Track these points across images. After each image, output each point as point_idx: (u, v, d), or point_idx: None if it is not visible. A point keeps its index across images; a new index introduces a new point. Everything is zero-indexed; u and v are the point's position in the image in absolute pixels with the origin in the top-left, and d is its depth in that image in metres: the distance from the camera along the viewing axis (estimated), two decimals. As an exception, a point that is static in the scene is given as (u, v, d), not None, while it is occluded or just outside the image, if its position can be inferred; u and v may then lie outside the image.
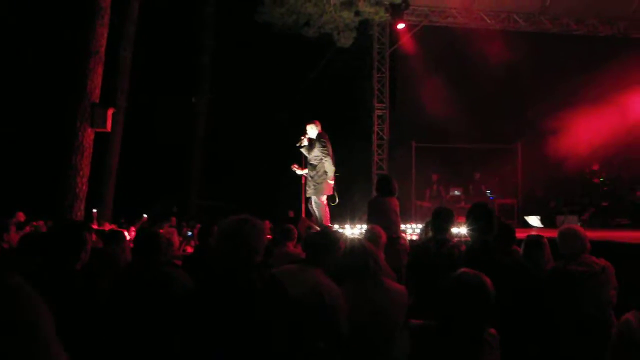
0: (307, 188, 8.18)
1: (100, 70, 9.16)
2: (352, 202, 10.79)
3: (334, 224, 8.40)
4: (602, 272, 3.64)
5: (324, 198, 8.01)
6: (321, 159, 7.94)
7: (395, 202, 6.38)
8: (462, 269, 2.52)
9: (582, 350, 3.45)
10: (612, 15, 14.34)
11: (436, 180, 14.53)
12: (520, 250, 4.41)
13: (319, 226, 7.76)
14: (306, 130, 8.18)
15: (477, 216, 3.61)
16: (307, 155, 8.26)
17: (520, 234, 4.84)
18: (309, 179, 8.09)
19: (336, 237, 3.33)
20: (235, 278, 2.41)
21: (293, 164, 8.53)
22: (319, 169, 7.95)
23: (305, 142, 8.21)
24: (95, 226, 7.94)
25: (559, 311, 3.59)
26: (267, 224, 9.30)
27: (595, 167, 12.80)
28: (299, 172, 8.50)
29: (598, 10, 13.99)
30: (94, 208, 10.73)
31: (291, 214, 10.40)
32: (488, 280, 2.43)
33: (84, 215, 8.88)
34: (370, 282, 3.21)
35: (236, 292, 2.36)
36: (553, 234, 7.47)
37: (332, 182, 7.99)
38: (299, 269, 3.09)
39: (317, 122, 8.16)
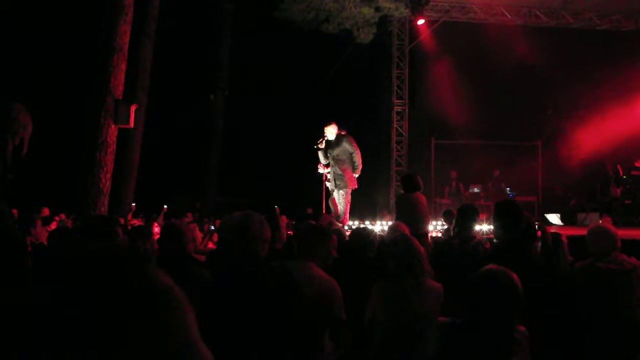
0: (336, 182, 8.21)
1: (123, 67, 9.27)
2: (371, 199, 10.80)
3: (354, 220, 8.44)
4: (633, 270, 3.61)
5: (349, 192, 8.11)
6: (351, 153, 8.09)
7: (422, 198, 6.41)
8: (490, 266, 2.51)
9: (611, 350, 3.43)
10: (636, 9, 14.09)
11: (455, 177, 14.47)
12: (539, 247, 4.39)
13: (338, 221, 7.85)
14: (324, 132, 8.25)
15: (504, 213, 3.60)
16: (322, 158, 8.34)
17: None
18: (339, 173, 8.13)
19: (328, 232, 3.25)
20: (245, 272, 2.44)
21: (319, 162, 8.60)
22: (348, 164, 8.04)
23: (322, 145, 8.27)
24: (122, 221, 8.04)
25: (588, 309, 3.57)
26: (284, 220, 9.33)
27: (639, 164, 12.54)
28: (321, 170, 8.58)
29: (622, 4, 13.75)
30: (115, 203, 10.86)
31: (309, 210, 10.44)
32: (515, 276, 2.42)
33: (107, 210, 9.01)
34: (411, 282, 3.13)
35: (246, 287, 2.39)
36: (574, 231, 7.43)
37: (356, 176, 8.15)
38: (295, 263, 3.06)
39: (335, 123, 8.25)
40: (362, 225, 7.65)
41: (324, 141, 8.29)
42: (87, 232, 3.04)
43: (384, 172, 14.71)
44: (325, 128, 8.27)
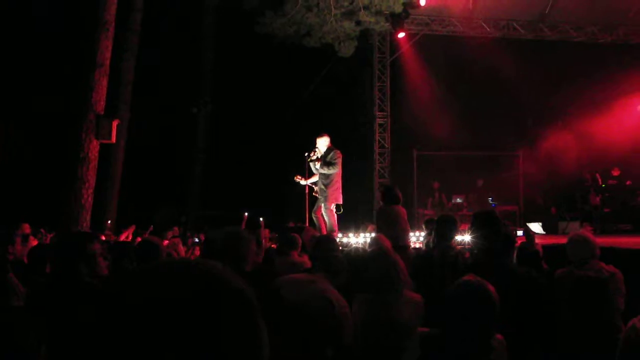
0: (319, 197, 8.21)
1: (105, 82, 9.27)
2: (354, 211, 10.83)
3: (338, 233, 8.44)
4: (611, 278, 3.68)
5: (333, 206, 8.08)
6: (329, 169, 8.03)
7: (402, 210, 6.47)
8: (466, 277, 2.55)
9: (589, 356, 3.48)
10: (611, 22, 14.41)
11: (437, 188, 14.59)
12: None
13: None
14: (316, 143, 8.22)
15: (483, 223, 3.64)
16: (316, 169, 8.27)
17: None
18: (322, 187, 8.11)
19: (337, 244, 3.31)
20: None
21: (296, 175, 8.58)
22: (332, 177, 8.02)
23: (314, 157, 8.22)
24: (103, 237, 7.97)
25: (568, 317, 3.62)
26: (267, 233, 9.35)
27: (616, 173, 12.76)
28: (302, 182, 8.57)
29: (597, 16, 14.06)
30: (98, 219, 10.77)
31: (291, 224, 10.41)
32: (491, 287, 2.46)
33: (89, 226, 8.94)
34: (390, 294, 3.14)
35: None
36: (555, 240, 7.52)
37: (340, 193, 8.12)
38: (308, 277, 3.09)
39: (327, 135, 8.23)
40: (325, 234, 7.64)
41: (315, 153, 8.24)
42: (56, 251, 3.02)
43: (366, 184, 14.77)
44: (317, 139, 8.22)
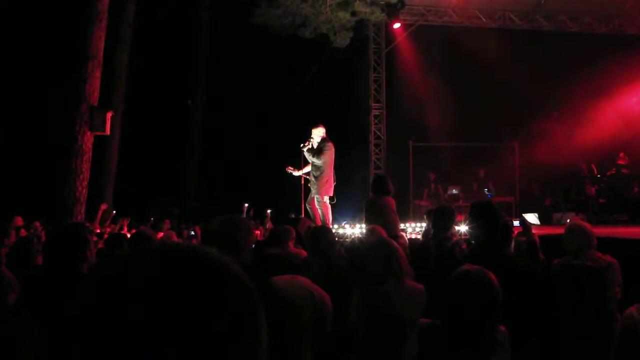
0: (311, 188, 8.21)
1: (98, 73, 9.19)
2: (350, 202, 10.82)
3: (334, 224, 8.44)
4: (607, 268, 3.68)
5: (326, 198, 8.07)
6: (324, 160, 8.01)
7: (391, 201, 6.44)
8: (466, 266, 2.50)
9: (586, 345, 3.49)
10: (607, 12, 14.39)
11: (433, 179, 14.57)
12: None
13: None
14: (312, 133, 8.19)
15: (480, 214, 3.63)
16: (309, 158, 8.24)
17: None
18: (313, 179, 8.11)
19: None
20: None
21: (287, 166, 8.56)
22: (322, 169, 8.00)
23: (308, 146, 8.19)
24: (97, 229, 7.94)
25: (566, 306, 3.62)
26: (270, 225, 9.33)
27: (622, 162, 12.78)
28: (295, 173, 8.55)
29: (593, 7, 14.04)
30: (93, 211, 10.70)
31: (292, 215, 10.42)
32: (493, 276, 2.42)
33: (84, 219, 8.89)
34: (391, 282, 3.12)
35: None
36: (550, 230, 7.53)
37: (333, 183, 8.11)
38: (292, 277, 3.14)
39: (322, 126, 8.19)
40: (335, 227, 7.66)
41: (309, 143, 8.19)
42: (56, 241, 2.99)
43: (362, 176, 14.75)
44: (313, 130, 8.17)
